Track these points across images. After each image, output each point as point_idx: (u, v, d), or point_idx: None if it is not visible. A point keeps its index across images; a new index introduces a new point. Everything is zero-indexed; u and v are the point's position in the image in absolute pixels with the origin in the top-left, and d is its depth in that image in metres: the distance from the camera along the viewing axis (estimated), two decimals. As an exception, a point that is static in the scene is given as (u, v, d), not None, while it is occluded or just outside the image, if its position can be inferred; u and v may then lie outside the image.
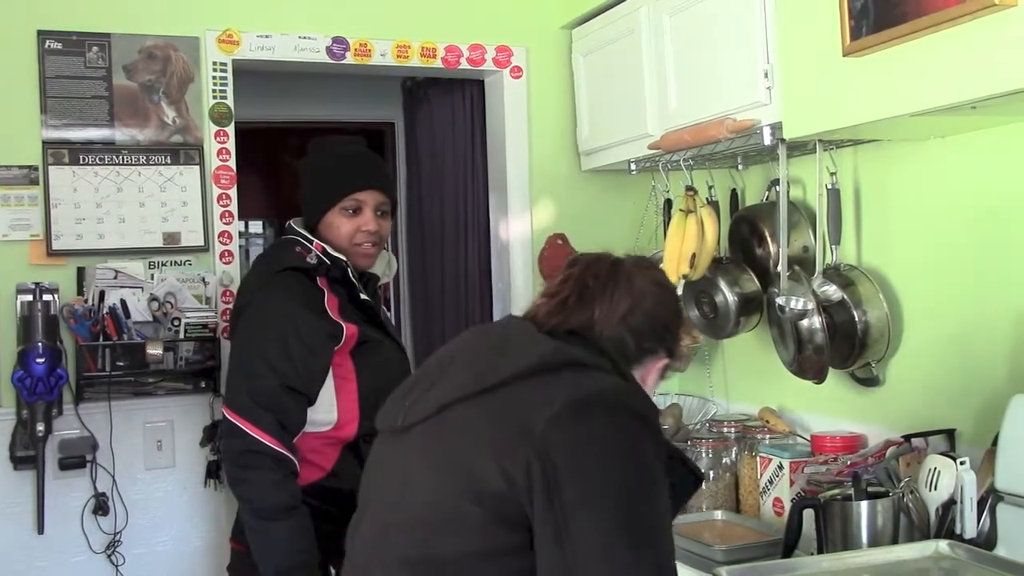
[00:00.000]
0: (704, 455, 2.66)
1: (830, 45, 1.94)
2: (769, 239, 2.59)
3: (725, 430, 2.71)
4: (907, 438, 2.16)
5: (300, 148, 3.78)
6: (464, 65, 3.05)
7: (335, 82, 3.93)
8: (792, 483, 2.38)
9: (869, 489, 1.98)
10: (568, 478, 1.27)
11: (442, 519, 1.33)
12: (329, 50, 2.88)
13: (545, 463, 1.28)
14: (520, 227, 3.10)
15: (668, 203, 2.83)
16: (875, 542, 1.94)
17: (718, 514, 2.50)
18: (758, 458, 2.53)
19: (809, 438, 2.48)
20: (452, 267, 3.63)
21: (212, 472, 2.66)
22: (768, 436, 2.59)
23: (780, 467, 2.43)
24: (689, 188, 2.59)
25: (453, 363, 1.45)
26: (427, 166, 3.93)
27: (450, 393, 1.39)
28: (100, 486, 2.59)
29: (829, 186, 2.38)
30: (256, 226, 6.54)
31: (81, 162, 2.64)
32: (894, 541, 1.94)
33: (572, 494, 1.27)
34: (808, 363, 2.32)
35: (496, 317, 3.22)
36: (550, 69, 3.11)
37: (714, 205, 2.70)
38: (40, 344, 2.45)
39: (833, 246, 2.38)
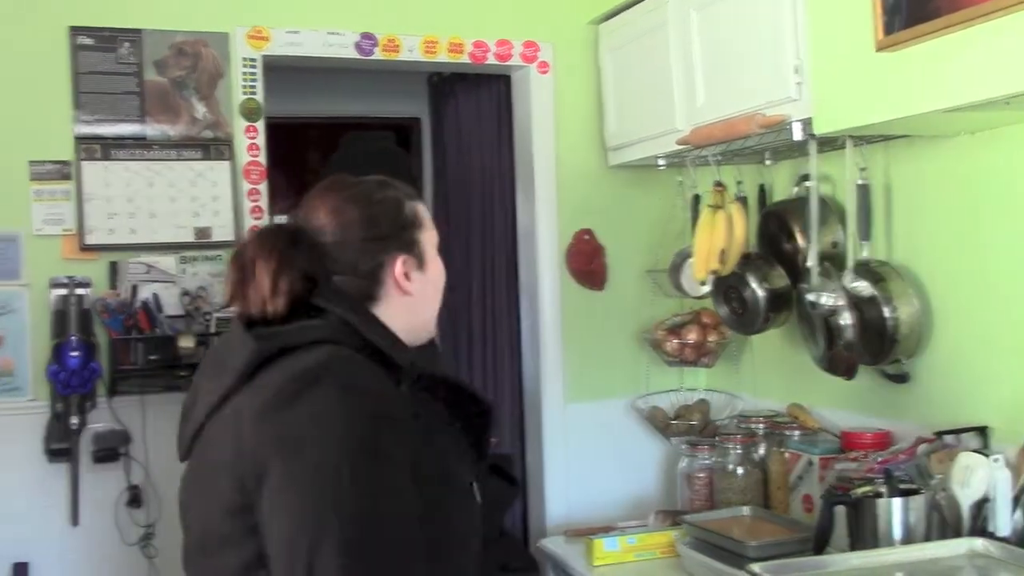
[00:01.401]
0: (732, 450, 2.67)
1: (862, 40, 1.93)
2: (798, 235, 2.58)
3: (753, 426, 2.71)
4: (939, 435, 2.16)
5: (326, 143, 3.78)
6: (491, 60, 3.05)
7: (361, 77, 3.94)
8: (822, 479, 2.38)
9: (901, 486, 1.97)
10: (270, 475, 1.26)
11: (211, 541, 1.35)
12: (358, 46, 2.89)
13: (255, 465, 1.27)
14: (546, 222, 3.10)
15: (696, 199, 2.83)
16: (908, 540, 1.94)
17: (746, 510, 2.50)
18: (787, 454, 2.53)
19: (839, 434, 2.48)
20: (478, 262, 3.64)
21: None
22: (797, 432, 2.58)
23: (810, 463, 2.43)
24: (718, 184, 2.58)
25: (201, 381, 1.44)
26: (453, 161, 3.94)
27: (201, 412, 1.39)
28: (133, 479, 2.62)
29: (859, 182, 2.37)
30: (281, 221, 6.56)
31: (113, 157, 2.66)
32: (927, 539, 1.94)
33: (271, 489, 1.26)
34: (838, 359, 2.32)
35: (523, 313, 3.23)
36: (577, 64, 3.11)
37: (742, 201, 2.69)
38: (74, 338, 2.48)
39: (863, 242, 2.37)
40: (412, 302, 1.49)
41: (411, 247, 1.50)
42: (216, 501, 1.33)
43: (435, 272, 1.54)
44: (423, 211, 1.55)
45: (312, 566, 1.21)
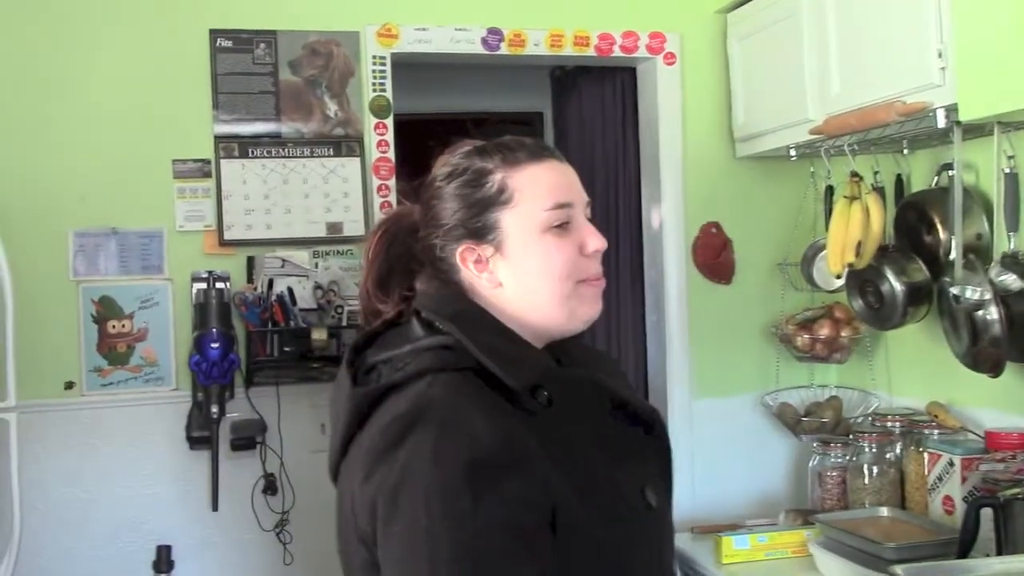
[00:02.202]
0: (867, 449, 2.59)
1: (1013, 21, 1.85)
2: (939, 226, 2.48)
3: (889, 424, 2.62)
4: (1094, 436, 2.05)
5: (451, 139, 3.77)
6: (617, 53, 3.03)
7: (484, 73, 3.97)
8: (964, 480, 2.29)
9: (1054, 489, 1.89)
10: (376, 541, 1.17)
11: None
12: (484, 41, 2.91)
13: (368, 525, 1.18)
14: (673, 215, 3.06)
15: (830, 190, 2.75)
16: (1061, 545, 1.85)
17: (883, 511, 2.43)
18: (926, 454, 2.44)
19: (982, 434, 2.38)
20: (603, 256, 3.62)
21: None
22: (936, 431, 2.49)
23: (951, 464, 2.34)
24: (854, 174, 2.51)
25: (331, 410, 1.33)
26: (576, 155, 3.92)
27: (334, 447, 1.29)
28: (269, 467, 2.70)
29: (1007, 170, 2.26)
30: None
31: (250, 155, 2.75)
32: (1082, 544, 1.85)
33: (379, 558, 1.17)
34: (983, 356, 2.22)
35: (648, 308, 3.20)
36: (704, 55, 3.06)
37: (879, 191, 2.60)
38: (215, 330, 2.57)
39: (1010, 233, 2.26)
40: (500, 295, 1.28)
41: (481, 234, 1.27)
42: (352, 551, 1.25)
43: (527, 258, 1.27)
44: (521, 182, 1.27)
45: None
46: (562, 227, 1.28)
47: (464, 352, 1.21)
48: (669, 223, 3.06)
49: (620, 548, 1.21)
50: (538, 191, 1.27)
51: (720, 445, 3.03)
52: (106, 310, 2.65)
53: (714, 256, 3.04)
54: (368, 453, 1.19)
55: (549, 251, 1.27)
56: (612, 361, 1.56)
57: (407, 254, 1.34)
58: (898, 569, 1.62)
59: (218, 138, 2.73)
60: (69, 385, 2.63)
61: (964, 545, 1.94)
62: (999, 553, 1.92)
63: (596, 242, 1.30)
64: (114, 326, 2.65)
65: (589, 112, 3.74)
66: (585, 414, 1.26)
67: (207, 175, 2.72)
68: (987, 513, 1.94)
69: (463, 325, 1.23)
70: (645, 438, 1.33)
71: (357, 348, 1.31)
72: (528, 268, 1.27)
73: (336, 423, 1.28)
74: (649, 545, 1.26)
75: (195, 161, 2.71)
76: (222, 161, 2.72)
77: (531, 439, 1.17)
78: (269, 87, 2.77)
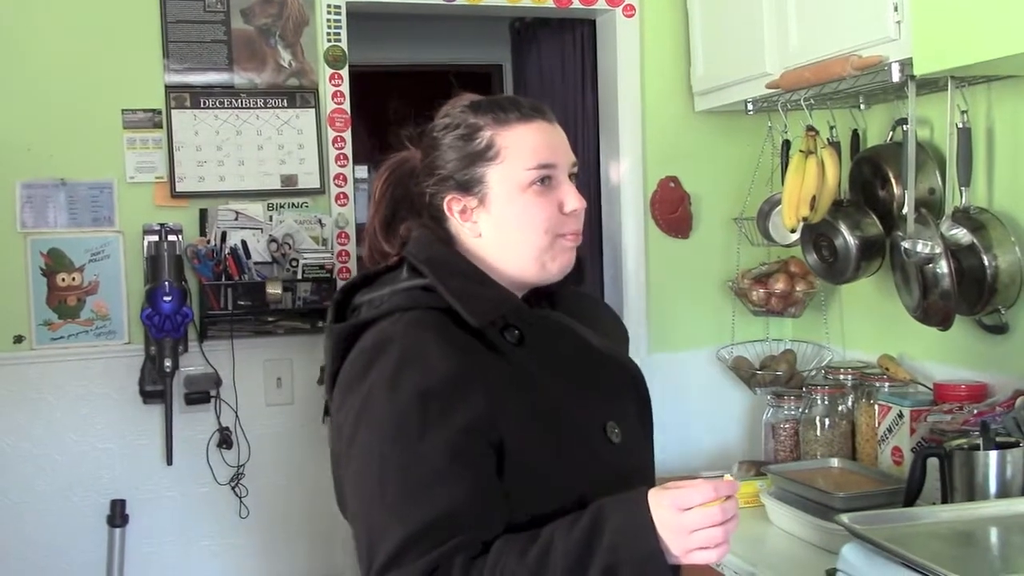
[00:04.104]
0: (819, 402, 2.62)
1: (967, -25, 1.85)
2: (893, 181, 2.50)
3: (841, 377, 2.66)
4: (1038, 387, 2.09)
5: (408, 91, 3.79)
6: (576, 4, 3.00)
7: (443, 24, 3.93)
8: (912, 432, 2.33)
9: (998, 439, 1.92)
10: (343, 455, 1.31)
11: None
12: (441, -9, 2.86)
13: (335, 449, 1.35)
14: (631, 170, 3.06)
15: (786, 144, 2.75)
16: (1003, 493, 1.88)
17: (834, 462, 2.46)
18: (876, 406, 2.48)
19: (931, 386, 2.41)
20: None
21: (329, 410, 2.71)
22: (887, 384, 2.53)
23: (900, 415, 2.37)
24: (810, 128, 2.51)
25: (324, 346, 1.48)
26: (536, 109, 3.90)
27: (328, 380, 1.43)
28: (224, 421, 2.68)
29: (960, 125, 2.27)
30: (361, 171, 6.55)
31: (202, 106, 2.69)
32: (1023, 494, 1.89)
33: (344, 470, 1.31)
34: (933, 309, 2.25)
35: (606, 262, 3.20)
36: (664, 7, 3.04)
37: (835, 146, 2.61)
38: (167, 283, 2.54)
39: (962, 188, 2.28)
40: (480, 244, 1.37)
41: (468, 186, 1.35)
42: (337, 476, 1.36)
43: (508, 213, 1.34)
44: (508, 140, 1.34)
45: (372, 557, 1.22)
46: (544, 185, 1.35)
47: (437, 292, 1.31)
48: (627, 177, 3.05)
49: (569, 478, 1.30)
50: (523, 151, 1.34)
51: (676, 398, 3.06)
52: (55, 263, 2.60)
53: (672, 210, 3.04)
54: (341, 384, 1.32)
55: (529, 207, 1.34)
56: (605, 308, 1.63)
57: (408, 197, 1.42)
58: (843, 517, 1.64)
59: (169, 88, 2.67)
60: (18, 339, 2.58)
61: (910, 494, 1.97)
62: (944, 502, 1.95)
63: (574, 202, 1.37)
64: (64, 279, 2.60)
65: (548, 65, 3.70)
66: (551, 353, 1.35)
67: (158, 125, 2.67)
68: (933, 463, 1.97)
69: (434, 267, 1.32)
70: (619, 380, 1.42)
71: (348, 289, 1.42)
72: (508, 222, 1.35)
73: (325, 350, 1.40)
74: (607, 477, 1.32)
75: (145, 111, 2.66)
76: (173, 111, 2.67)
77: (490, 374, 1.27)
78: (221, 36, 2.71)
